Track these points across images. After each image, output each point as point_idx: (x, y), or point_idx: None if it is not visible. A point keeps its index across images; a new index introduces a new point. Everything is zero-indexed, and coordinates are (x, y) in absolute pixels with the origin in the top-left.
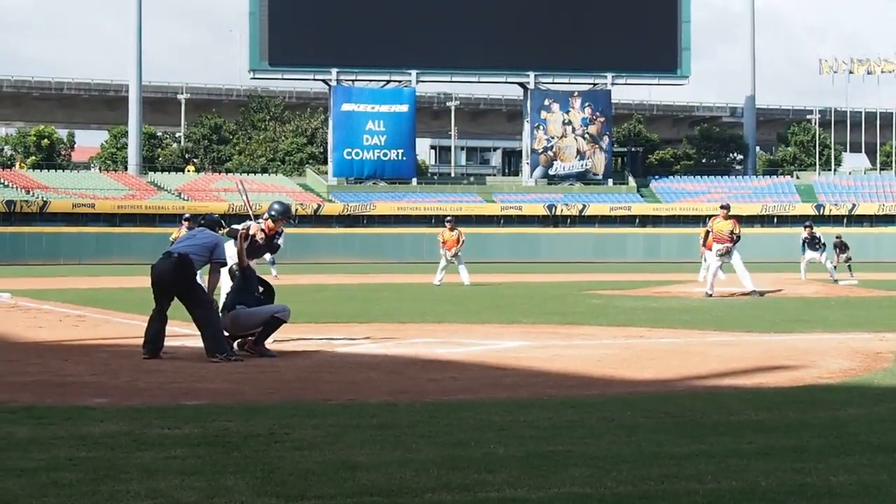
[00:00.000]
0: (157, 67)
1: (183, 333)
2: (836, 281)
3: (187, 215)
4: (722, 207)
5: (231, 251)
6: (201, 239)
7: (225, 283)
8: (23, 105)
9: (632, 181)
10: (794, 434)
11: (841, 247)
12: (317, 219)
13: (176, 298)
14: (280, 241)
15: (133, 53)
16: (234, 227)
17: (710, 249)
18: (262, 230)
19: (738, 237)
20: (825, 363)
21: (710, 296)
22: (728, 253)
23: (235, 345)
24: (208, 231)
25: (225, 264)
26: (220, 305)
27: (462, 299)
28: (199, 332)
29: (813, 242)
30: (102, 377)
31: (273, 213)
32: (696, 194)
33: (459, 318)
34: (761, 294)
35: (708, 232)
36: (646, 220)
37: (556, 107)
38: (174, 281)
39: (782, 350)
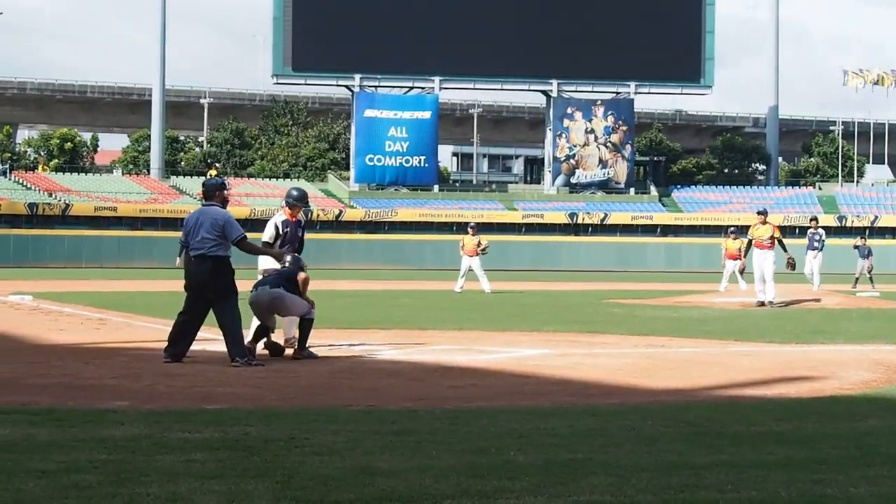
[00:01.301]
0: (181, 72)
1: (204, 338)
2: (852, 292)
3: None
4: (759, 213)
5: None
6: (210, 224)
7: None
8: (46, 108)
9: (654, 190)
10: (815, 445)
11: (864, 252)
12: (338, 224)
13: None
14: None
15: (156, 57)
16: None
17: (733, 259)
18: (283, 221)
19: (780, 240)
20: (846, 374)
21: (763, 304)
22: (790, 264)
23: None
24: (213, 208)
25: (245, 238)
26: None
27: (483, 307)
28: (221, 337)
29: (812, 240)
30: (123, 380)
31: (290, 199)
32: (718, 204)
33: (480, 326)
34: (782, 305)
35: (751, 241)
36: (667, 230)
37: (578, 115)
38: (209, 284)
39: (803, 361)
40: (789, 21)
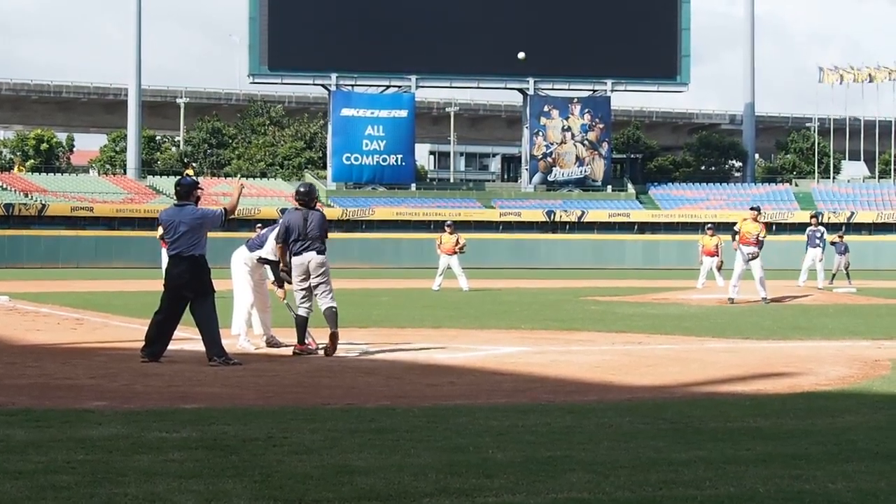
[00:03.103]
0: (157, 71)
1: (181, 337)
2: (828, 288)
3: None
4: (752, 209)
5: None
6: (188, 223)
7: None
8: (22, 108)
9: (631, 188)
10: (793, 441)
11: (840, 248)
12: None
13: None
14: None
15: (132, 57)
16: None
17: (710, 256)
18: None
19: (762, 243)
20: (823, 370)
21: (733, 301)
22: (756, 257)
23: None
24: (188, 207)
25: (227, 209)
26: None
27: (461, 305)
28: (198, 336)
29: (814, 238)
30: (100, 380)
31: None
32: (695, 201)
33: (458, 324)
34: (767, 302)
35: (736, 232)
36: (644, 227)
37: (555, 113)
38: (187, 283)
39: (780, 357)
40: (768, 17)
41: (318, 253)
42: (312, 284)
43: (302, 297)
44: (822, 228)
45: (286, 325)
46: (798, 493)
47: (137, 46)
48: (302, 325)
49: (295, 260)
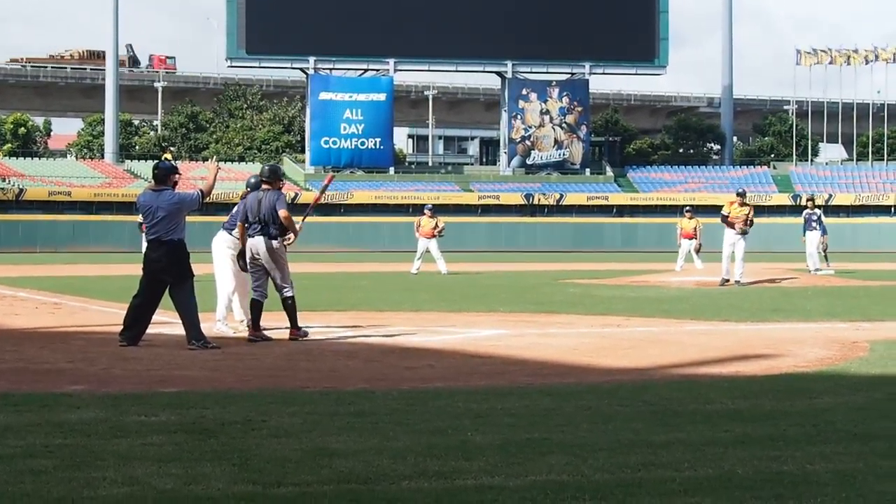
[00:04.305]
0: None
1: (160, 321)
2: (815, 270)
3: None
4: (738, 194)
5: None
6: (166, 208)
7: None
8: None
9: (609, 171)
10: (771, 422)
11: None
12: (294, 207)
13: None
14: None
15: (110, 41)
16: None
17: (688, 238)
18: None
19: (751, 222)
20: (802, 352)
21: (728, 282)
22: (745, 234)
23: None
24: (166, 191)
25: (203, 191)
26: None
27: (439, 288)
28: (177, 320)
29: (811, 221)
30: (79, 364)
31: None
32: (674, 184)
33: (437, 307)
34: (747, 284)
35: (725, 217)
36: (623, 210)
37: (533, 96)
38: (166, 268)
39: (759, 339)
40: (748, 0)
41: (270, 238)
42: (268, 269)
43: (253, 281)
44: (818, 211)
45: (270, 309)
46: (777, 474)
47: (115, 30)
48: (254, 309)
49: (248, 242)
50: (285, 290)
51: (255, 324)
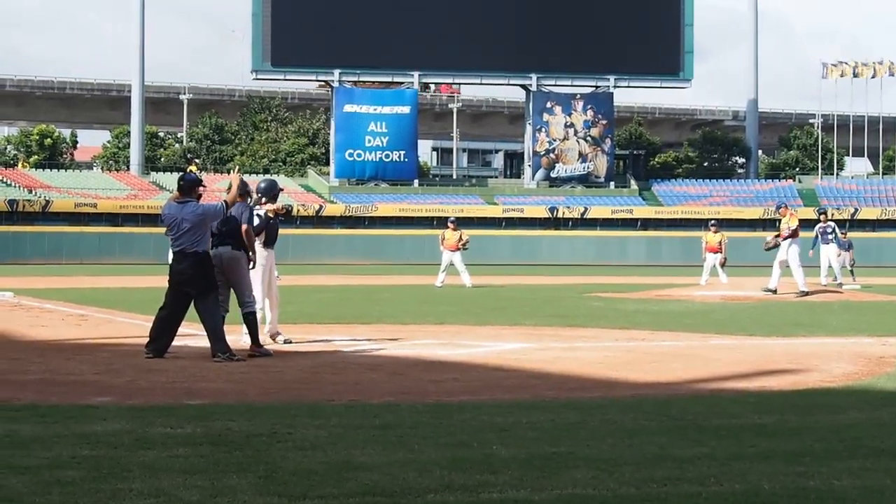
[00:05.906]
0: (160, 67)
1: (186, 333)
2: (839, 284)
3: None
4: (784, 207)
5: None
6: (190, 219)
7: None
8: (25, 104)
9: (633, 184)
10: (797, 438)
11: (845, 245)
12: (318, 220)
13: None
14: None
15: (136, 53)
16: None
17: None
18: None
19: (796, 231)
20: (827, 367)
21: (774, 292)
22: (779, 246)
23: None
24: (190, 204)
25: (227, 202)
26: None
27: (463, 301)
28: (202, 332)
29: (826, 235)
30: (105, 376)
31: (268, 193)
32: (698, 198)
33: (461, 320)
34: (773, 292)
35: (794, 229)
36: (647, 223)
37: (558, 109)
38: (191, 280)
39: (784, 354)
40: (770, 13)
41: (232, 248)
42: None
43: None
44: (832, 224)
45: (287, 322)
46: (803, 489)
47: (141, 42)
48: (246, 324)
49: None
50: (250, 306)
51: (254, 339)
